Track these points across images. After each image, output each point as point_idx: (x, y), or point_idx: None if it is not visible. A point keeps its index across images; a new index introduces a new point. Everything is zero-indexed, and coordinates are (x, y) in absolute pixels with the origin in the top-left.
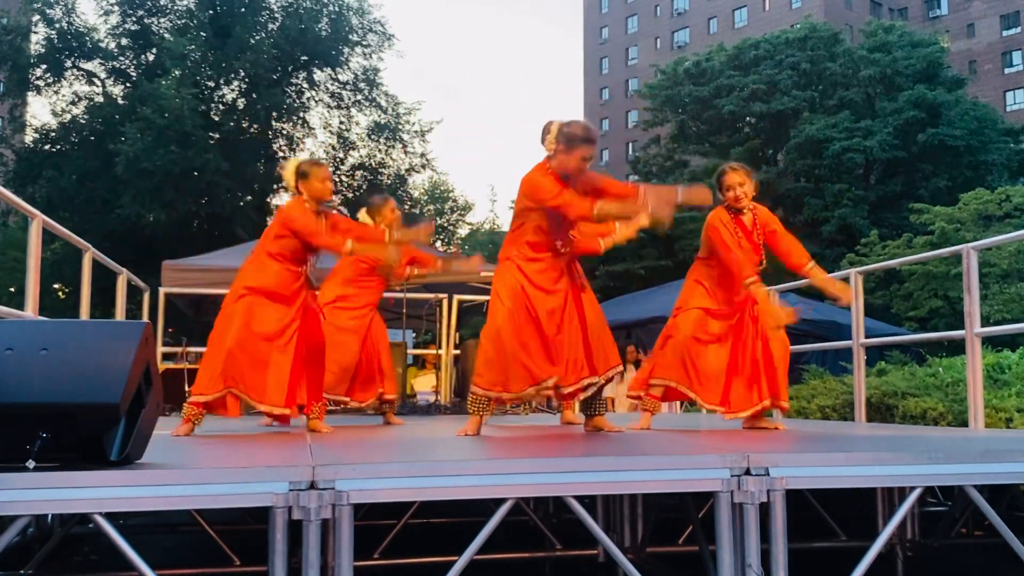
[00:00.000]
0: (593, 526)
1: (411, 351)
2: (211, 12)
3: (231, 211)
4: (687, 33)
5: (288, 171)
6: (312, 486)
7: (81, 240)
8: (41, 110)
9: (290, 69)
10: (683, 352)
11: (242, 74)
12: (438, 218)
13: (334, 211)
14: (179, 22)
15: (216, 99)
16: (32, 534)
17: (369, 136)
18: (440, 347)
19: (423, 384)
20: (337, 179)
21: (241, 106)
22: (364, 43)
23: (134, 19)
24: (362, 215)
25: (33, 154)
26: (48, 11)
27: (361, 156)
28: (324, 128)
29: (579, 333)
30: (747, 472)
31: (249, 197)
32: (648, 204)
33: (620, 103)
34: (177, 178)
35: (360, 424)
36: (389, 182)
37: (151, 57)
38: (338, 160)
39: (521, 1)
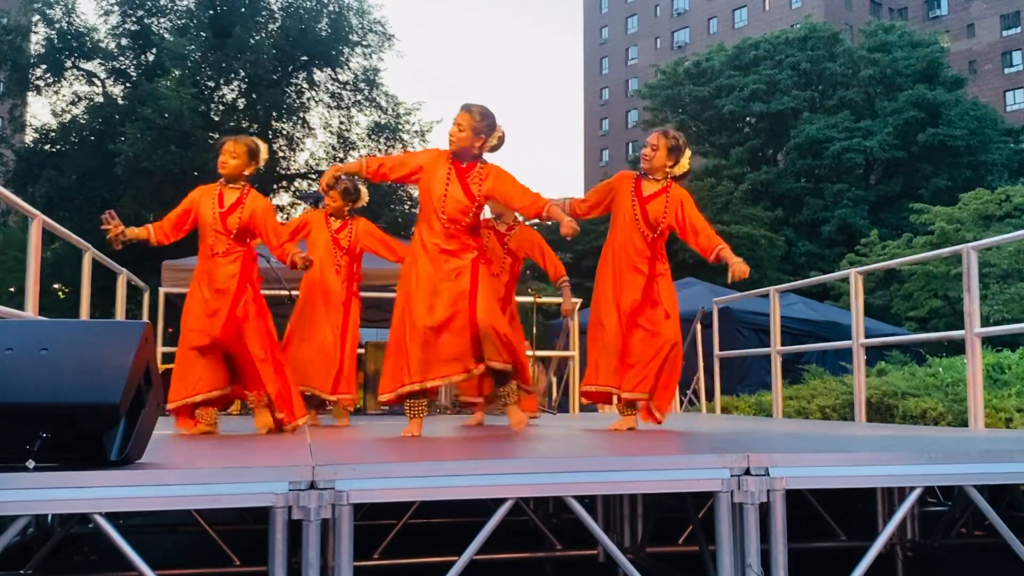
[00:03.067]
0: (593, 526)
1: None
2: (211, 12)
3: None
4: (687, 33)
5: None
6: (312, 486)
7: (81, 240)
8: (41, 110)
9: (290, 69)
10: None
11: (242, 74)
12: None
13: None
14: (179, 22)
15: (216, 99)
16: (32, 534)
17: (369, 136)
18: None
19: None
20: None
21: (241, 106)
22: (364, 43)
23: (134, 19)
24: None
25: (33, 154)
26: (48, 11)
27: (361, 156)
28: (324, 128)
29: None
30: (747, 472)
31: None
32: None
33: (620, 103)
34: (177, 178)
35: (360, 424)
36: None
37: (151, 57)
38: (338, 160)
39: (521, 1)
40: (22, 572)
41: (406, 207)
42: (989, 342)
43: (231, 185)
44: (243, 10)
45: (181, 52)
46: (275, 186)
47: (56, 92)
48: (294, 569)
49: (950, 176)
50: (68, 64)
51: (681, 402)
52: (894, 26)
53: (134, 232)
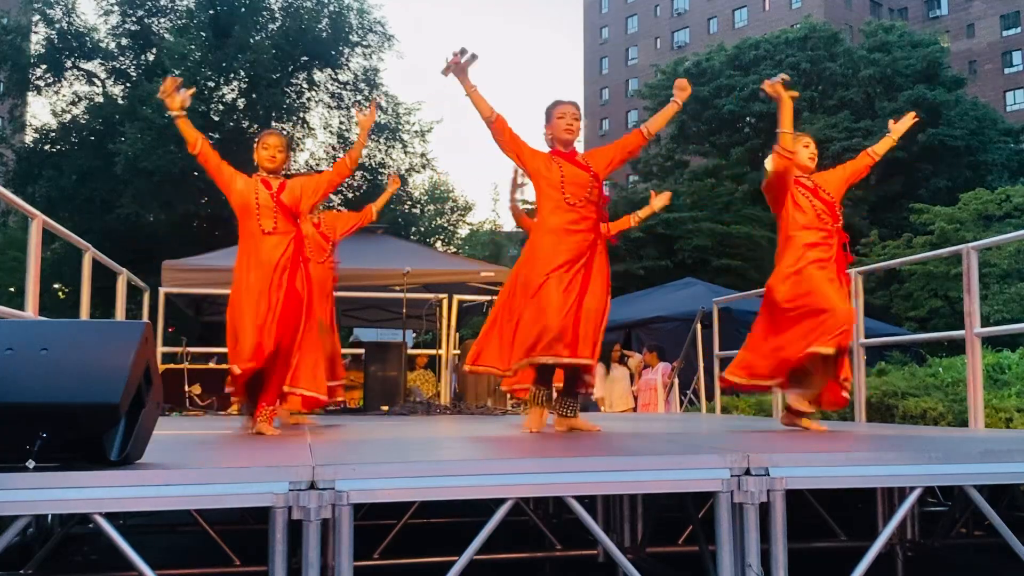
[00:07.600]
0: (593, 526)
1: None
2: (211, 12)
3: (231, 211)
4: (687, 33)
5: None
6: (312, 486)
7: (81, 240)
8: (41, 110)
9: (290, 69)
10: None
11: (242, 74)
12: (438, 218)
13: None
14: (179, 22)
15: (216, 99)
16: (32, 534)
17: (369, 136)
18: (440, 347)
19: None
20: None
21: (241, 106)
22: (364, 43)
23: (134, 19)
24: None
25: (33, 154)
26: (48, 11)
27: (361, 156)
28: (324, 128)
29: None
30: (747, 472)
31: None
32: None
33: (620, 103)
34: (177, 178)
35: (360, 424)
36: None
37: (151, 57)
38: (337, 160)
39: (521, 2)
40: (22, 572)
41: (406, 207)
42: (989, 342)
43: (273, 177)
44: (243, 10)
45: (181, 52)
46: None
47: (56, 92)
48: (294, 569)
49: (950, 176)
50: (68, 64)
51: (681, 402)
52: (894, 26)
53: (185, 123)
